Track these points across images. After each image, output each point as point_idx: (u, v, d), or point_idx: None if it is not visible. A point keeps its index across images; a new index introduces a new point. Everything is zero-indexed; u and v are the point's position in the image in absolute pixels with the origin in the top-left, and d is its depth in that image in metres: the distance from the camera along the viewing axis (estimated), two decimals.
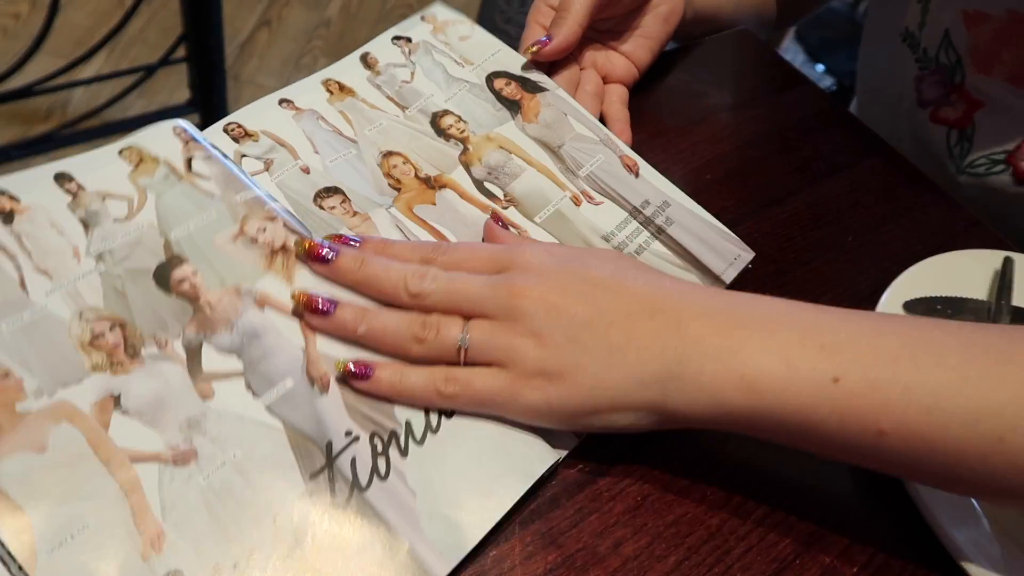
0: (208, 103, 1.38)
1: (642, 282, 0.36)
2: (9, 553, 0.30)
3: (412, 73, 0.51)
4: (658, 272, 0.38)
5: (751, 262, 0.47)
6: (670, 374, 0.34)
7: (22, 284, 0.36)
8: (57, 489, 0.32)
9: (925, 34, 0.63)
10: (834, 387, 0.32)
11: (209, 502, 0.33)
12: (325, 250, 0.38)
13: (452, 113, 0.49)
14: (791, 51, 2.12)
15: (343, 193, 0.44)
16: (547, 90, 0.51)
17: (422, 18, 0.54)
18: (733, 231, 0.47)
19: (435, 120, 0.49)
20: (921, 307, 0.45)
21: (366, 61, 0.51)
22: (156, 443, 0.34)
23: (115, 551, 0.31)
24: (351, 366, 0.36)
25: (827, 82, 1.92)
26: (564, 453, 0.37)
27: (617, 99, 0.54)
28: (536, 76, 0.52)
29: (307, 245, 0.39)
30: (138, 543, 0.31)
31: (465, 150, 0.48)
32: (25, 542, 0.30)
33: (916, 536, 0.39)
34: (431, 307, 0.37)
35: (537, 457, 0.36)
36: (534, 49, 0.50)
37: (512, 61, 0.53)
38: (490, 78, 0.51)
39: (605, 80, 0.55)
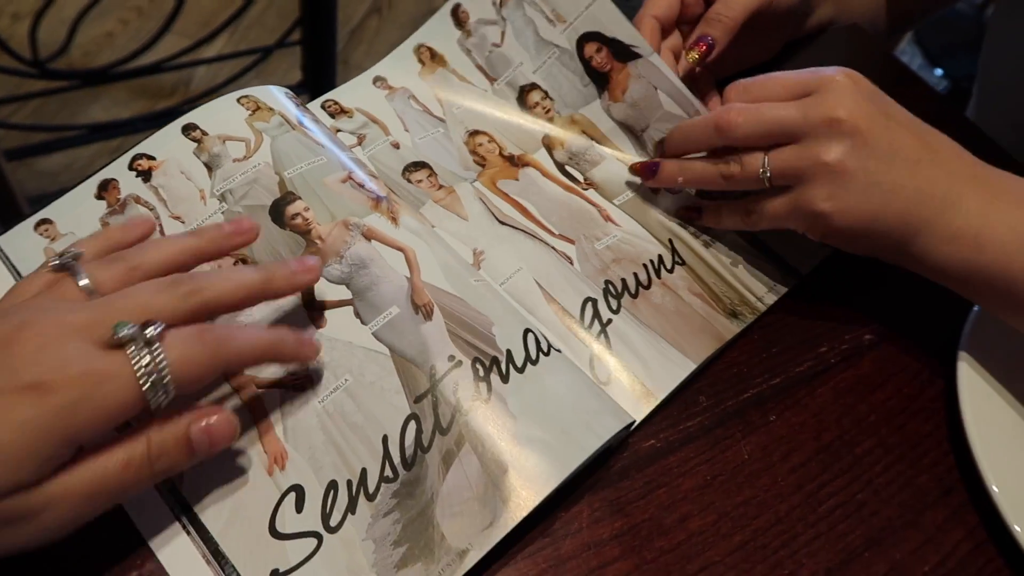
0: (318, 86, 1.43)
1: (932, 133, 0.41)
2: None
3: (502, 33, 0.50)
4: (937, 131, 0.41)
5: (834, 251, 0.47)
6: (927, 220, 0.39)
7: (161, 231, 0.40)
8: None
9: None
10: None
11: (324, 424, 0.35)
12: (652, 166, 0.46)
13: (539, 88, 0.50)
14: (908, 54, 2.03)
15: (430, 168, 0.46)
16: (640, 56, 0.47)
17: None
18: None
19: (522, 94, 0.50)
20: None
21: (457, 16, 0.51)
22: (277, 370, 0.37)
23: (245, 467, 0.34)
24: (638, 165, 0.46)
25: (943, 86, 1.83)
26: (634, 422, 0.38)
27: (711, 77, 0.51)
28: (630, 39, 0.48)
29: (638, 167, 0.46)
30: (265, 460, 0.34)
31: (548, 135, 0.49)
32: None
33: (996, 542, 0.38)
34: (742, 139, 0.41)
35: (621, 411, 0.37)
36: (695, 56, 0.47)
37: (607, 16, 0.49)
38: (581, 43, 0.49)
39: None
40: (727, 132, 0.41)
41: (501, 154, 0.48)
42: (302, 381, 0.36)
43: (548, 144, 0.49)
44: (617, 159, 0.48)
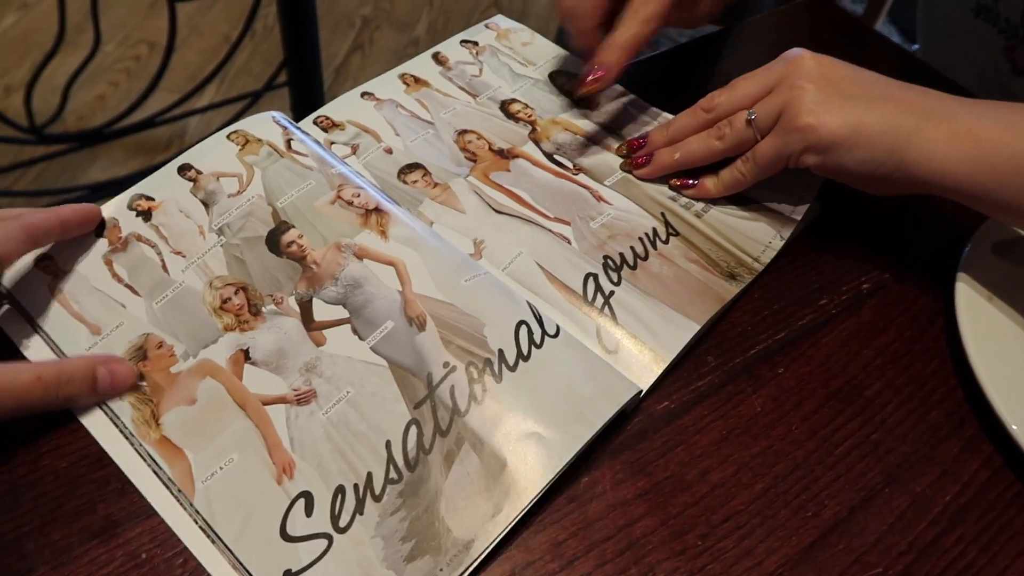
0: None
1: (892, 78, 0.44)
2: (175, 483, 0.35)
3: (480, 70, 0.55)
4: None
5: (823, 208, 0.48)
6: (915, 126, 0.41)
7: (164, 267, 0.42)
8: (207, 431, 0.37)
9: (1003, 5, 0.62)
10: None
11: (329, 434, 0.37)
12: (643, 158, 0.49)
13: (519, 101, 0.53)
14: (884, 32, 2.05)
15: (424, 168, 0.48)
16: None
17: (486, 26, 0.58)
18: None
19: (504, 106, 0.52)
20: (1015, 247, 0.45)
21: (437, 59, 0.55)
22: (281, 387, 0.38)
23: (255, 478, 0.36)
24: (631, 161, 0.49)
25: None
26: (644, 386, 0.39)
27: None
28: None
29: (631, 164, 0.49)
30: (273, 471, 0.36)
31: (534, 130, 0.51)
32: (185, 475, 0.36)
33: (1012, 467, 0.39)
34: (727, 110, 0.46)
35: (624, 386, 0.38)
36: (584, 90, 0.48)
37: (572, 64, 0.55)
38: (553, 75, 0.55)
39: None
40: (713, 109, 0.46)
41: (491, 149, 0.49)
42: (307, 396, 0.38)
43: (535, 138, 0.50)
44: (603, 148, 0.50)
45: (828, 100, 0.42)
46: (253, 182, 0.45)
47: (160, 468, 0.36)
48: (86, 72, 1.22)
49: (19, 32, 1.76)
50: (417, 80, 0.53)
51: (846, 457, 0.39)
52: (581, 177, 0.48)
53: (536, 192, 0.47)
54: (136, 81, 1.68)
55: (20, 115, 1.19)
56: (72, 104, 1.59)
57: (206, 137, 0.48)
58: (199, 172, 0.46)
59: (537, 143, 0.50)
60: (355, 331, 0.40)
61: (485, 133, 0.50)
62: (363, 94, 0.52)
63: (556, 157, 0.49)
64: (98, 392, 0.37)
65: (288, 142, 0.47)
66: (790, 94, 0.42)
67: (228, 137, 0.47)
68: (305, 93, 1.43)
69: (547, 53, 0.56)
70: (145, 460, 0.36)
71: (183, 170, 0.46)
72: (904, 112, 0.41)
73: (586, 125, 0.51)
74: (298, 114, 1.48)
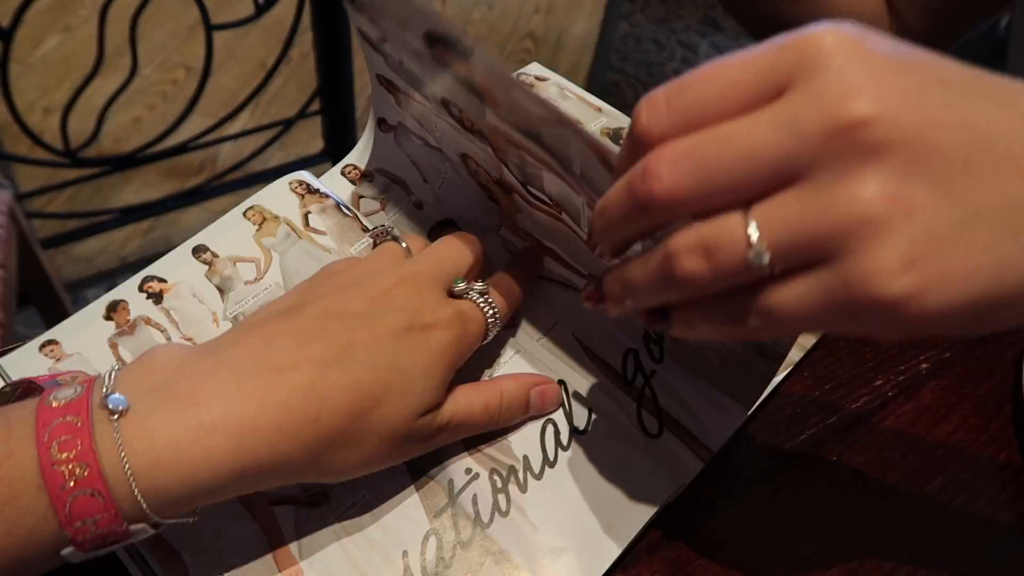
0: (339, 153, 1.46)
1: (1009, 86, 0.22)
2: None
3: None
4: (1011, 81, 0.23)
5: None
6: None
7: None
8: (208, 535, 0.34)
9: None
10: None
11: (341, 541, 0.34)
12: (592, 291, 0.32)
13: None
14: None
15: (456, 226, 0.45)
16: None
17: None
18: None
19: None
20: None
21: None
22: (291, 486, 0.35)
23: None
24: (586, 295, 0.30)
25: None
26: (687, 480, 0.37)
27: None
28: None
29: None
30: None
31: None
32: None
33: None
34: (681, 209, 0.22)
35: (659, 484, 0.36)
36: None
37: (612, 121, 0.51)
38: None
39: None
40: (651, 205, 0.22)
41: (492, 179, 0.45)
42: (317, 498, 0.35)
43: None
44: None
45: (934, 231, 0.20)
46: (271, 269, 0.43)
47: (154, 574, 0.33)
48: (124, 95, 1.23)
49: (60, 55, 1.78)
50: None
51: (908, 561, 0.36)
52: (564, 217, 0.45)
53: (564, 246, 0.44)
54: (172, 105, 1.69)
55: (56, 138, 1.20)
56: (109, 126, 1.60)
57: (237, 167, 0.45)
58: (215, 255, 0.43)
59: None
60: None
61: (477, 157, 0.46)
62: (379, 122, 0.48)
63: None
64: (528, 412, 0.38)
65: (306, 216, 0.45)
66: (847, 222, 0.21)
67: (244, 214, 0.44)
68: (338, 121, 1.43)
69: (573, 107, 0.53)
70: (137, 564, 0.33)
71: (198, 251, 0.43)
72: None
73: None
74: (329, 142, 1.48)
